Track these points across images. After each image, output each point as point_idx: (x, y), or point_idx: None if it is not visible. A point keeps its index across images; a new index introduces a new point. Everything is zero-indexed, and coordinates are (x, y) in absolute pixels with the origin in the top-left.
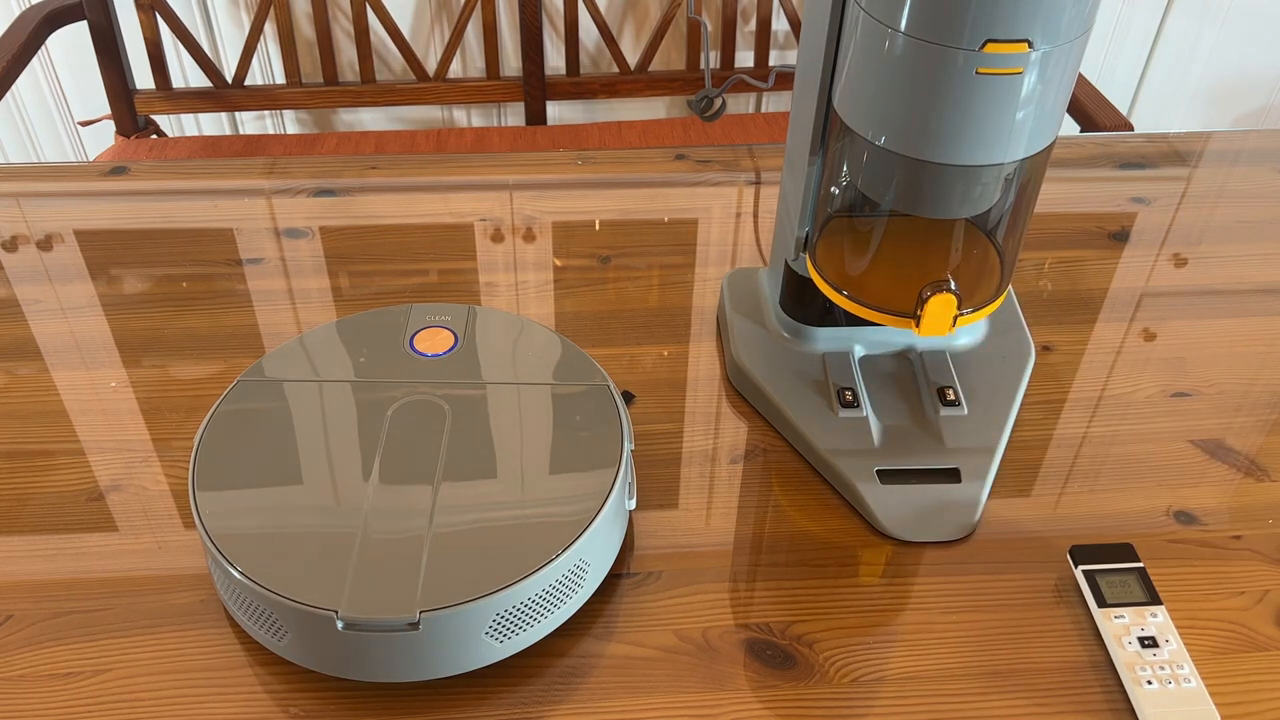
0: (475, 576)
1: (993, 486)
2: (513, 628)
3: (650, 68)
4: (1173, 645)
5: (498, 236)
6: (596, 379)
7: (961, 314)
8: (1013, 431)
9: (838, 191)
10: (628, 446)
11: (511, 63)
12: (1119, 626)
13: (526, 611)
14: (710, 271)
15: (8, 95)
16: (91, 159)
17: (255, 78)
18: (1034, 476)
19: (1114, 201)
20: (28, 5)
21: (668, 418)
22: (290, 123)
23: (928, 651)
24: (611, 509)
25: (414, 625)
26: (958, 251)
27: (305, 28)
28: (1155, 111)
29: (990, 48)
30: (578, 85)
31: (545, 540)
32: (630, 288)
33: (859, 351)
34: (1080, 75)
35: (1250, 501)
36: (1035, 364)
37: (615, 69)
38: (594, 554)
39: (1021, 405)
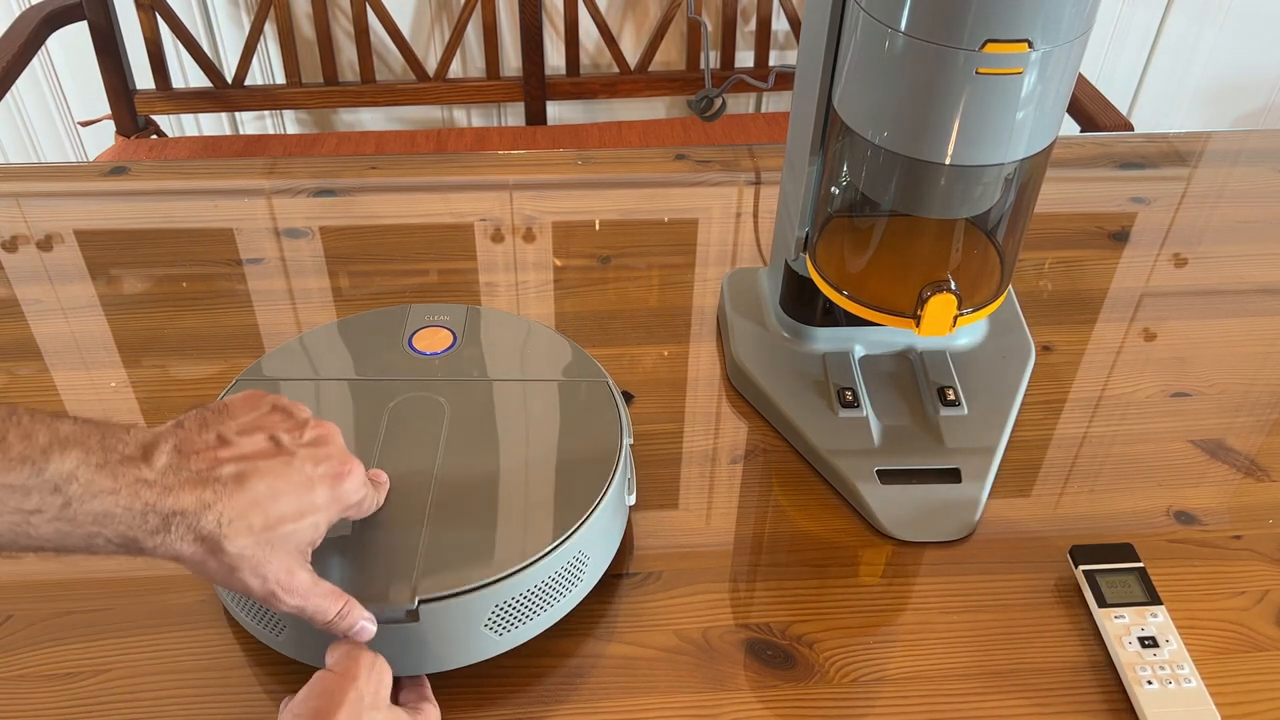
0: (474, 567)
1: (993, 486)
2: (512, 620)
3: (650, 68)
4: (1173, 645)
5: (498, 236)
6: (594, 375)
7: (961, 314)
8: (1013, 431)
9: (838, 191)
10: (626, 440)
11: (511, 63)
12: (1119, 626)
13: (526, 603)
14: (710, 271)
15: (8, 95)
16: (91, 159)
17: (255, 78)
18: (1034, 476)
19: (1114, 201)
20: (28, 5)
21: (668, 418)
22: (290, 123)
23: (928, 651)
24: (611, 502)
25: (413, 615)
26: (958, 251)
27: (305, 28)
28: (1155, 111)
29: (990, 48)
30: (578, 85)
31: (545, 532)
32: (630, 288)
33: (859, 351)
34: (1080, 75)
35: (1250, 501)
36: (1035, 364)
37: (615, 69)
38: (593, 546)
39: (1021, 405)
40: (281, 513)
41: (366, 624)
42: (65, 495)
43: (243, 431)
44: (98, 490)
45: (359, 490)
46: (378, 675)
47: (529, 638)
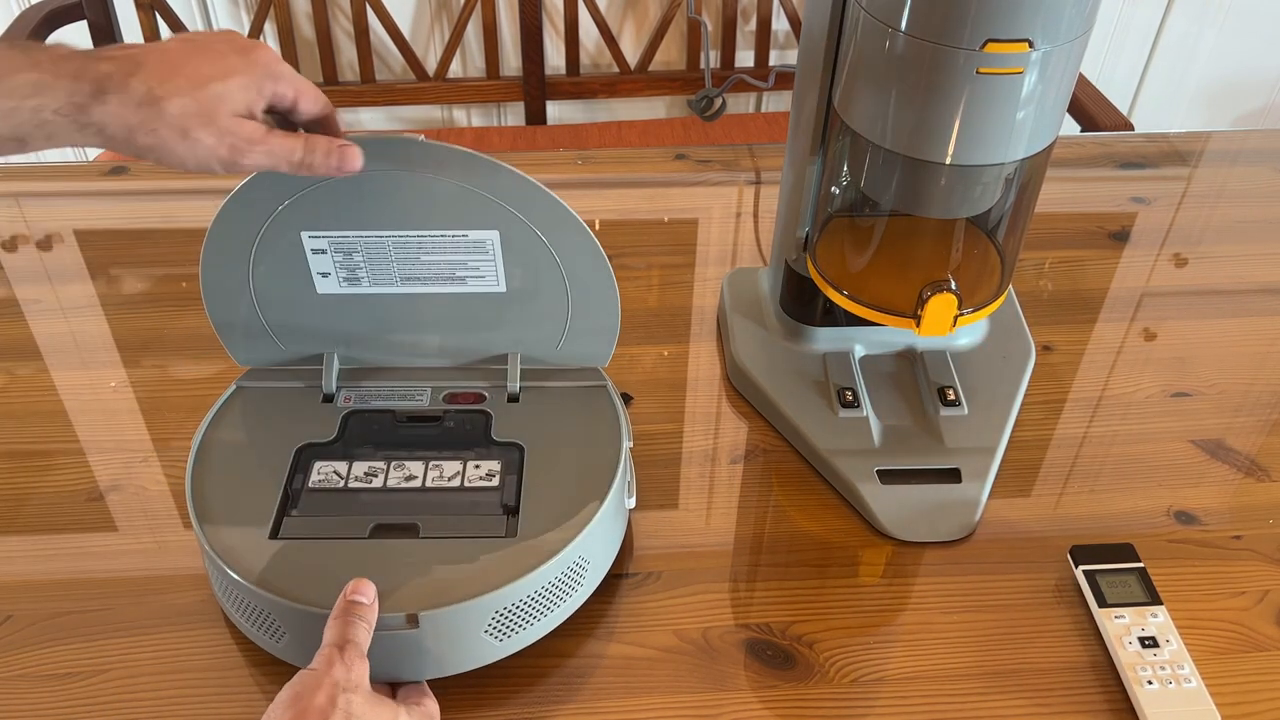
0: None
1: (993, 486)
2: (512, 626)
3: (650, 67)
4: (1173, 645)
5: None
6: (594, 378)
7: (962, 314)
8: (1013, 431)
9: (838, 191)
10: (626, 444)
11: (511, 62)
12: (1119, 626)
13: (526, 610)
14: (710, 271)
15: None
16: (91, 159)
17: None
18: (1034, 476)
19: (1114, 201)
20: (28, 5)
21: (668, 418)
22: None
23: (928, 652)
24: (611, 506)
25: (414, 624)
26: (958, 251)
27: (305, 28)
28: (1155, 111)
29: (991, 47)
30: (578, 85)
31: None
32: (630, 288)
33: (859, 351)
34: (1080, 75)
35: (1250, 501)
36: (1035, 364)
37: (615, 69)
38: (593, 551)
39: (1021, 405)
40: (204, 72)
41: (346, 154)
42: None
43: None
44: (17, 65)
45: (276, 61)
46: (353, 661)
47: (530, 643)
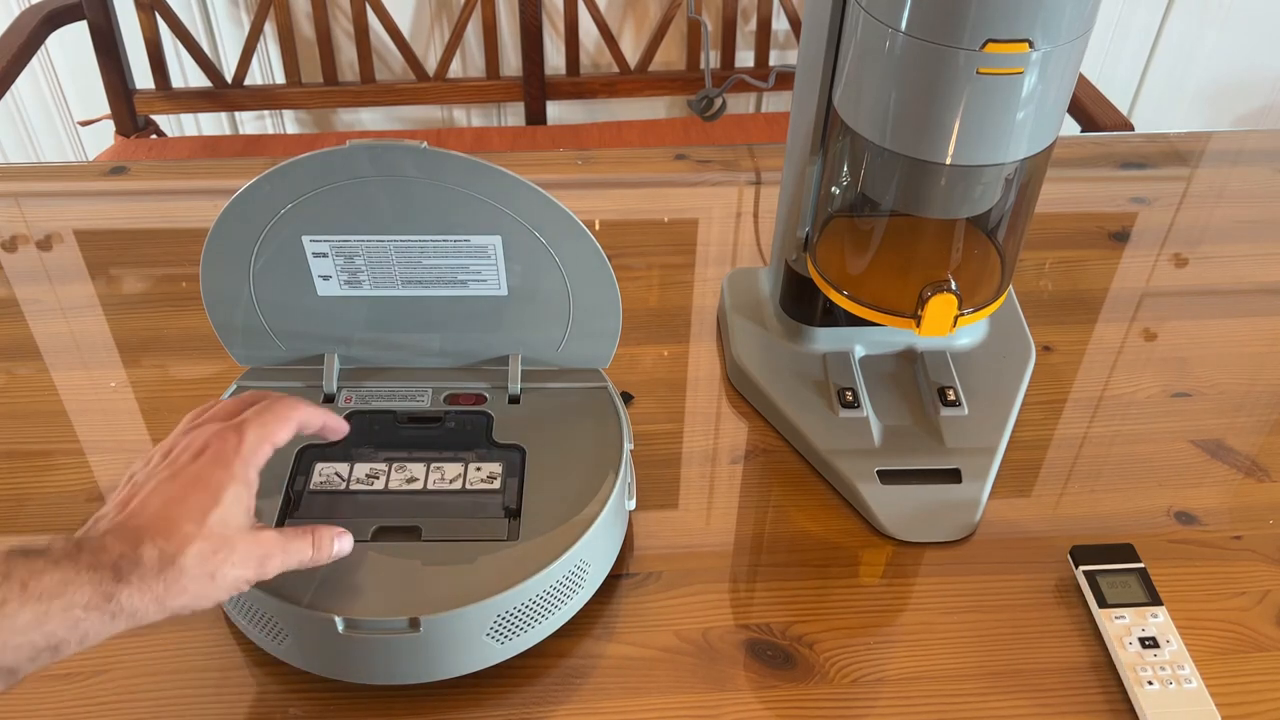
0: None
1: (993, 486)
2: (513, 629)
3: (650, 68)
4: (1173, 646)
5: None
6: (595, 379)
7: (962, 314)
8: (1013, 431)
9: (838, 191)
10: (627, 447)
11: (511, 62)
12: (1120, 627)
13: (527, 613)
14: (710, 271)
15: (8, 95)
16: (91, 159)
17: (255, 78)
18: (1034, 476)
19: (1114, 201)
20: (28, 4)
21: (668, 418)
22: (290, 123)
23: (928, 652)
24: (611, 509)
25: (415, 627)
26: (958, 251)
27: (305, 28)
28: (1155, 111)
29: (991, 48)
30: (578, 85)
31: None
32: (630, 288)
33: (859, 351)
34: (1080, 75)
35: (1250, 501)
36: (1035, 364)
37: (615, 69)
38: (594, 554)
39: (1022, 405)
40: (197, 504)
41: (340, 541)
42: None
43: (125, 501)
44: (38, 568)
45: (258, 445)
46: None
47: (531, 644)
